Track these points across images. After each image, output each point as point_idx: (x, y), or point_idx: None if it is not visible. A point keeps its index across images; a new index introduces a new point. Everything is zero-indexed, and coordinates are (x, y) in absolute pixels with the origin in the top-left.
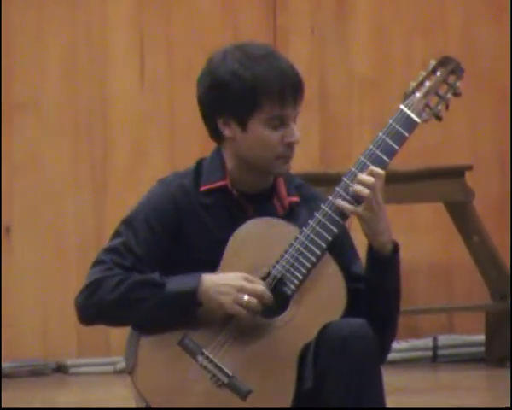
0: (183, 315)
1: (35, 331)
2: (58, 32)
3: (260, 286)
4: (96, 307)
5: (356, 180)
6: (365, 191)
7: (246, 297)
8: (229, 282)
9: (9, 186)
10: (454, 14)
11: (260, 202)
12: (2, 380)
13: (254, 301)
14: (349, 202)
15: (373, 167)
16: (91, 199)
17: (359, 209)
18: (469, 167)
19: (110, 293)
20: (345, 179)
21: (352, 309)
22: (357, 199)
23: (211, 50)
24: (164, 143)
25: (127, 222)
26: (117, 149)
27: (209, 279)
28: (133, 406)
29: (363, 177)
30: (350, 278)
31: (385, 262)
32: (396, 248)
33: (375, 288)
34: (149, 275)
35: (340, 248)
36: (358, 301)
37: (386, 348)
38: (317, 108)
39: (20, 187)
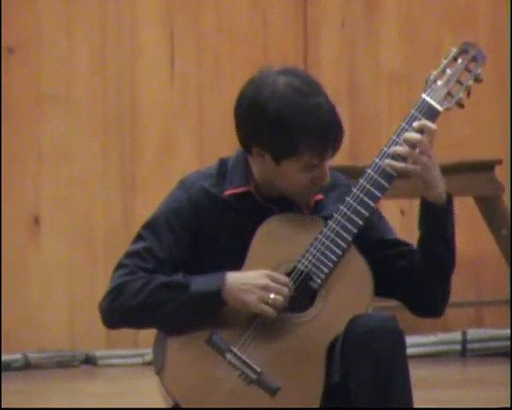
0: (209, 315)
1: (63, 322)
2: (88, 27)
3: (284, 281)
4: (119, 312)
5: (404, 138)
6: (417, 139)
7: (272, 295)
8: (253, 281)
9: (38, 177)
10: (483, 6)
11: (284, 203)
12: (29, 371)
13: (280, 298)
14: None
15: (424, 122)
16: (120, 191)
17: (409, 165)
18: (499, 161)
19: (134, 297)
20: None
21: (400, 274)
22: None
23: (240, 45)
24: (192, 137)
25: (149, 226)
26: (146, 143)
27: (233, 278)
28: (160, 398)
29: (411, 134)
30: (388, 244)
31: (442, 212)
32: (450, 198)
33: (435, 239)
34: (173, 276)
35: (369, 222)
36: (407, 263)
37: (443, 301)
38: (346, 101)
39: (48, 178)
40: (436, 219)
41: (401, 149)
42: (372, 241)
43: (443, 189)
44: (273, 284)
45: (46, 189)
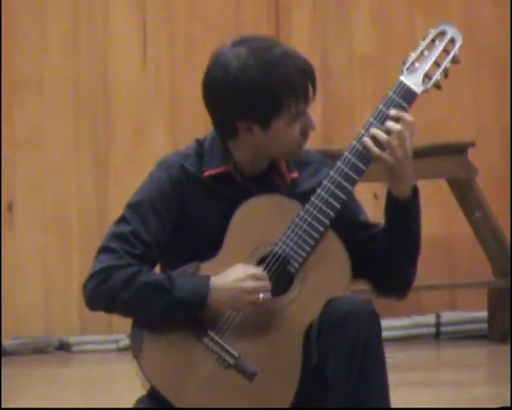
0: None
1: (37, 309)
2: (60, 12)
3: (266, 276)
4: (104, 299)
5: (386, 126)
6: (398, 129)
7: (261, 295)
8: (239, 284)
9: (12, 163)
10: None
11: (262, 182)
12: (5, 358)
13: (268, 295)
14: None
15: (402, 113)
16: (93, 177)
17: (384, 154)
18: (472, 144)
19: (120, 289)
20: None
21: (368, 256)
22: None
23: (213, 30)
24: (165, 122)
25: (133, 208)
26: (119, 128)
27: (218, 285)
28: (136, 382)
29: (390, 124)
30: (360, 226)
31: (405, 207)
32: (415, 192)
33: (397, 231)
34: (158, 277)
35: (343, 202)
36: (374, 246)
37: (408, 283)
38: (319, 85)
39: (22, 164)
40: (399, 213)
41: (382, 135)
42: (344, 221)
43: (410, 184)
44: (259, 284)
45: (20, 174)
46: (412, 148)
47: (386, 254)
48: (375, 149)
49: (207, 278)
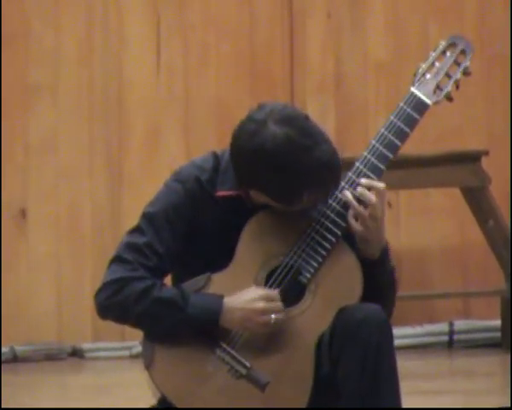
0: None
1: (50, 315)
2: (75, 18)
3: (277, 297)
4: (117, 311)
5: (358, 193)
6: (371, 201)
7: (273, 316)
8: (251, 305)
9: (25, 169)
10: None
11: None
12: (17, 364)
13: (280, 316)
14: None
15: (373, 183)
16: (107, 183)
17: (355, 223)
18: (485, 152)
19: (133, 303)
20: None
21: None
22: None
23: (226, 37)
24: (179, 128)
25: (148, 219)
26: (132, 134)
27: (231, 305)
28: (148, 391)
29: (365, 193)
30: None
31: (374, 264)
32: (385, 249)
33: (369, 280)
34: (171, 294)
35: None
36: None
37: (388, 309)
38: (332, 92)
39: (35, 170)
40: (369, 268)
41: (354, 204)
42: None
43: (379, 248)
44: (270, 305)
45: (33, 180)
46: (383, 215)
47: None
48: (354, 208)
49: (221, 297)
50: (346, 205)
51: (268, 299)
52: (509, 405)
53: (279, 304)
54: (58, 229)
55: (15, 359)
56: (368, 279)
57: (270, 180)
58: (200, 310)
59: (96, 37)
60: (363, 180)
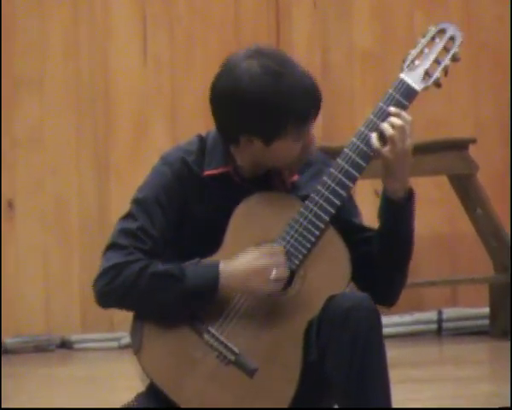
0: (201, 307)
1: (39, 307)
2: (60, 10)
3: (278, 250)
4: (116, 294)
5: (391, 113)
6: (390, 131)
7: (274, 271)
8: (250, 266)
9: (12, 162)
10: None
11: (262, 185)
12: (6, 356)
13: (282, 269)
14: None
15: (401, 111)
16: (94, 175)
17: (385, 148)
18: (473, 140)
19: (132, 283)
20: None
21: (360, 259)
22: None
23: (212, 27)
24: (166, 119)
25: (139, 203)
26: (119, 126)
27: (228, 269)
28: (137, 382)
29: (393, 119)
30: (354, 228)
31: (396, 207)
32: (411, 195)
33: (388, 232)
34: (168, 267)
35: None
36: (367, 250)
37: (395, 292)
38: (319, 80)
39: (22, 163)
40: (391, 213)
41: (389, 128)
42: (339, 221)
43: (405, 184)
44: (270, 261)
45: (20, 173)
46: (411, 146)
47: (376, 260)
48: (377, 144)
49: (216, 263)
50: (334, 191)
51: (269, 254)
52: (508, 405)
53: (281, 258)
54: (46, 221)
55: (5, 351)
56: (389, 229)
57: (253, 116)
58: (199, 278)
59: (82, 29)
60: (393, 108)
